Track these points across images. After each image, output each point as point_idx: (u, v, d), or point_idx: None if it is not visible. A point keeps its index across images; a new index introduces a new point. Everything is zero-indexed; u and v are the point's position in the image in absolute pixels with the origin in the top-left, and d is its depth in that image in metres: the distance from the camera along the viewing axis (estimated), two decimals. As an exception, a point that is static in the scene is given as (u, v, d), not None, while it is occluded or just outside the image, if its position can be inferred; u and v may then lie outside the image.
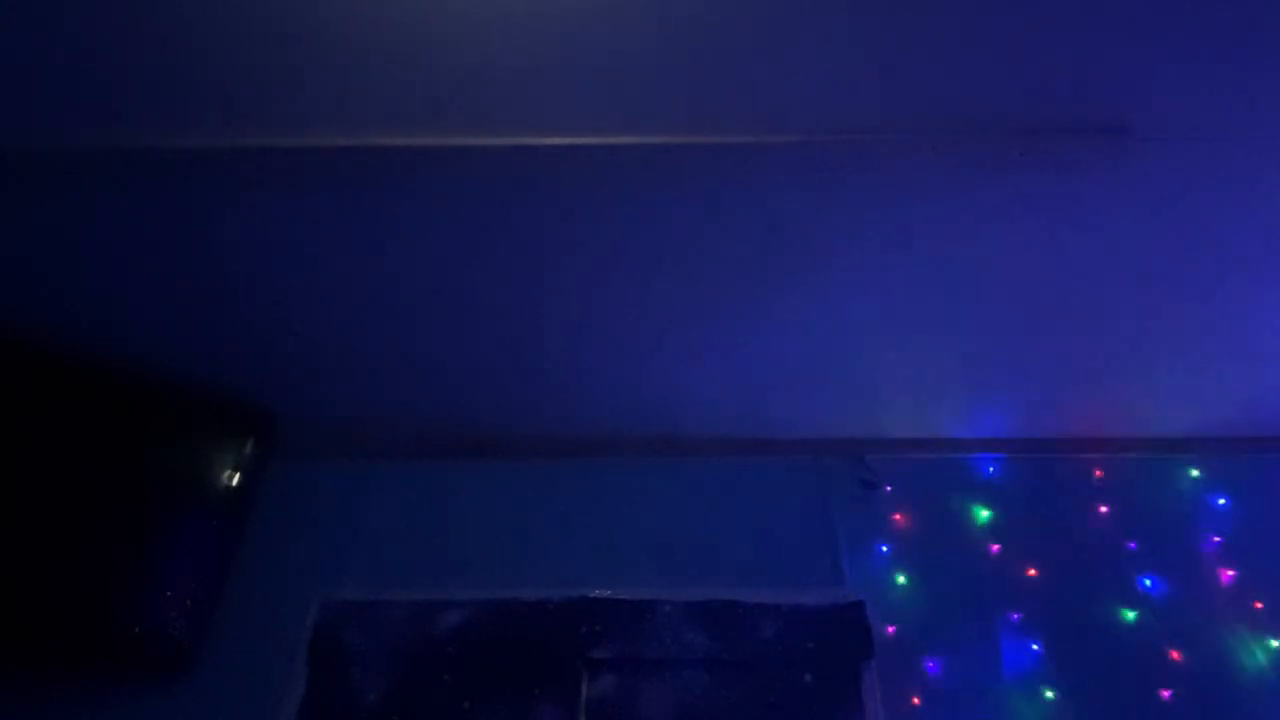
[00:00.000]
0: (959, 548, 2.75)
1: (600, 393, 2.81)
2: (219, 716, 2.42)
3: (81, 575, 2.37)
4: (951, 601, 2.63)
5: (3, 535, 2.35)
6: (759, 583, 2.65)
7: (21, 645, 2.43)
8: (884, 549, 2.75)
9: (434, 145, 1.97)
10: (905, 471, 2.91)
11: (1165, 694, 2.45)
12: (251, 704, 2.44)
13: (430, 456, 2.97)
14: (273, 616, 2.60)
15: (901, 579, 2.68)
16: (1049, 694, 2.47)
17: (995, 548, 2.74)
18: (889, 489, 2.88)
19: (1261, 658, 2.52)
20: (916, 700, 2.46)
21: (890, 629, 2.57)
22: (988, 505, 2.83)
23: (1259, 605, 2.61)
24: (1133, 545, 2.74)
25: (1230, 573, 2.68)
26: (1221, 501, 2.83)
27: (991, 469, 2.93)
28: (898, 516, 2.82)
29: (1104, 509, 2.82)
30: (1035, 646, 2.55)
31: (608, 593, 2.61)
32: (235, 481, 2.66)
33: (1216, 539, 2.75)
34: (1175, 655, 2.53)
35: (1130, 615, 2.60)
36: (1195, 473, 2.90)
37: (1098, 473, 2.90)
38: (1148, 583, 2.67)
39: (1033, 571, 2.69)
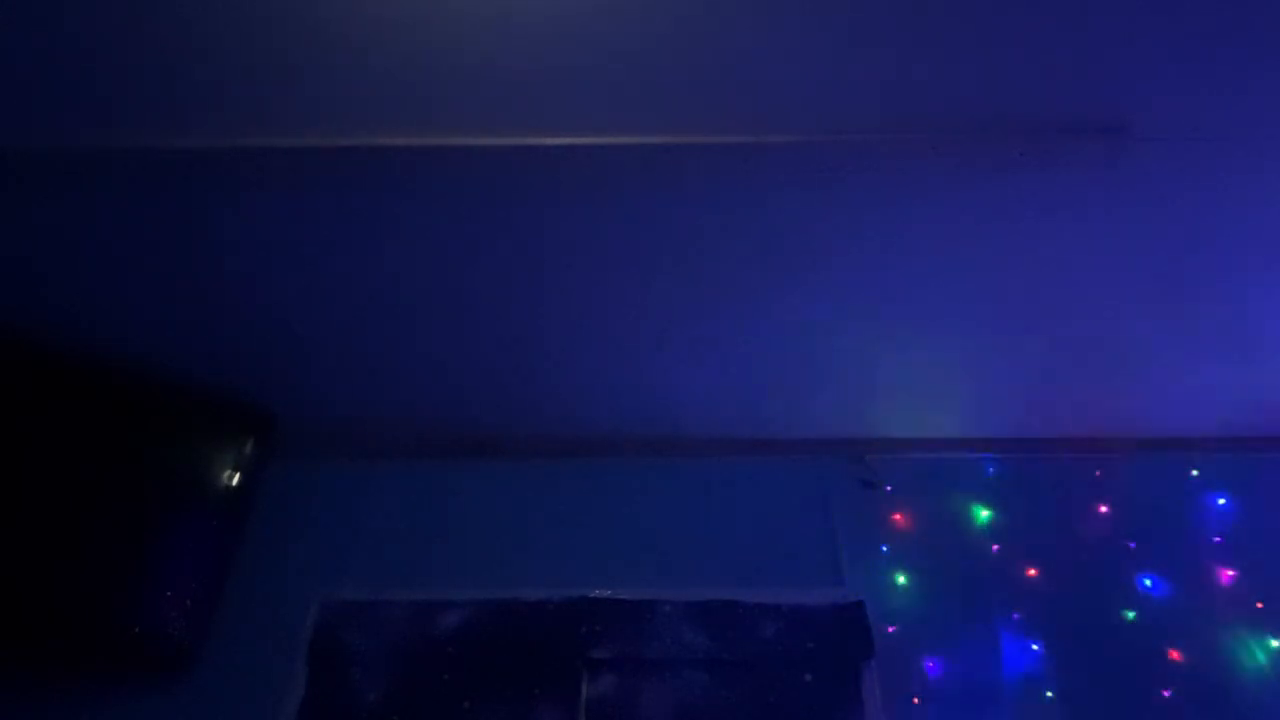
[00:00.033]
0: (959, 548, 2.75)
1: (600, 393, 2.80)
2: (219, 716, 2.43)
3: (81, 575, 2.37)
4: (951, 601, 2.63)
5: (3, 535, 2.35)
6: (759, 583, 2.65)
7: (21, 645, 2.43)
8: (884, 549, 2.75)
9: (434, 145, 1.96)
10: (905, 471, 2.91)
11: (1165, 694, 2.45)
12: (251, 704, 2.45)
13: (430, 456, 2.97)
14: (273, 616, 2.61)
15: (901, 579, 2.68)
16: (1049, 694, 2.47)
17: (995, 548, 2.74)
18: (889, 489, 2.88)
19: (1261, 658, 2.52)
20: (916, 700, 2.46)
21: (890, 629, 2.57)
22: (988, 505, 2.83)
23: (1259, 605, 2.61)
24: (1133, 545, 2.74)
25: (1230, 572, 2.68)
26: (1221, 501, 2.83)
27: (991, 469, 2.93)
28: (898, 516, 2.82)
29: (1104, 509, 2.82)
30: (1035, 646, 2.55)
31: (607, 593, 2.61)
32: (235, 481, 2.66)
33: (1216, 539, 2.75)
34: (1175, 655, 2.53)
35: (1130, 615, 2.60)
36: (1195, 473, 2.90)
37: (1098, 473, 2.90)
38: (1148, 583, 2.67)
39: (1033, 571, 2.69)
